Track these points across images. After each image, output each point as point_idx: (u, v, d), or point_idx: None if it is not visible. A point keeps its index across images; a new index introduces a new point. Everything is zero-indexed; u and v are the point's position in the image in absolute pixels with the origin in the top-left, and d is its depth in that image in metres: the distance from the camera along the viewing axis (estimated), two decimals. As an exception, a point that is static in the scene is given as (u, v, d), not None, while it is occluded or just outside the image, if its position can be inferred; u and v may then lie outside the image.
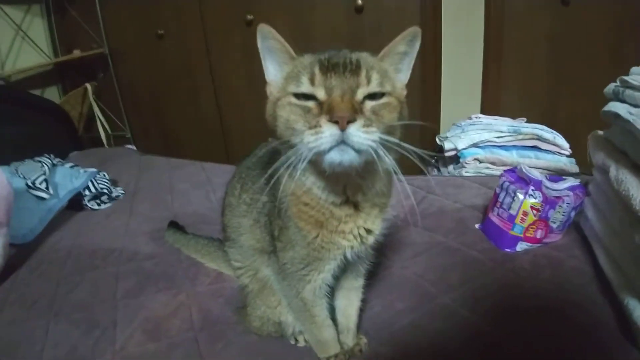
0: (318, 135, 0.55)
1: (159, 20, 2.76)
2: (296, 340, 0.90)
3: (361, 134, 0.54)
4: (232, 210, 0.88)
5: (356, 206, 0.70)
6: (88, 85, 2.83)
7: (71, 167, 1.83)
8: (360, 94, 0.59)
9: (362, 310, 0.93)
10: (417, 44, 0.67)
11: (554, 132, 1.91)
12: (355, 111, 0.56)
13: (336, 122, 0.54)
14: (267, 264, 0.84)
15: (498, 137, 1.89)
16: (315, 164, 0.62)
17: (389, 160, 0.58)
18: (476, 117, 2.05)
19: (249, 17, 2.46)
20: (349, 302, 0.87)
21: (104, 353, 0.91)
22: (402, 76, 0.69)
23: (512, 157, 1.85)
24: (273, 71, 0.68)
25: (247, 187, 0.84)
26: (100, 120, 2.95)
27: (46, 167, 1.69)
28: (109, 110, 3.05)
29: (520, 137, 1.89)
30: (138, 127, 3.18)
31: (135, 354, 0.90)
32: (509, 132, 1.89)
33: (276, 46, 0.66)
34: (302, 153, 0.56)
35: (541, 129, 1.90)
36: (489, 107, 2.23)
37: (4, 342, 0.98)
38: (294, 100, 0.61)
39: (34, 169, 1.66)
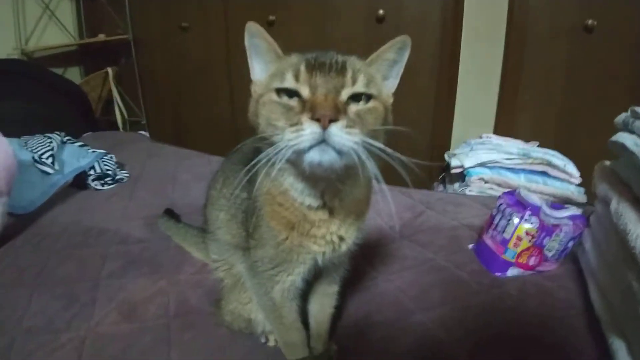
0: (299, 133, 0.54)
1: (184, 13, 2.82)
2: (267, 339, 0.89)
3: (343, 134, 0.53)
4: (213, 203, 0.88)
5: (331, 212, 0.69)
6: (109, 70, 2.90)
7: (80, 146, 1.87)
8: (345, 94, 0.59)
9: (337, 318, 0.91)
10: (407, 53, 0.66)
11: (566, 159, 1.86)
12: (339, 111, 0.55)
13: (318, 121, 0.53)
14: (242, 260, 0.83)
15: (507, 159, 1.86)
16: (295, 164, 0.61)
17: (370, 166, 0.56)
18: (487, 137, 2.02)
19: (271, 17, 2.48)
20: (321, 307, 0.86)
21: (78, 328, 0.92)
22: (389, 83, 0.69)
23: (519, 180, 1.81)
24: (259, 70, 0.68)
25: (228, 182, 0.84)
26: (118, 104, 3.01)
27: (55, 143, 1.73)
28: (128, 95, 3.11)
29: (530, 161, 1.85)
30: (154, 115, 3.24)
31: (108, 332, 0.91)
32: (519, 155, 1.85)
33: (263, 45, 0.66)
34: (281, 151, 0.55)
35: (552, 155, 1.85)
36: (502, 128, 2.20)
37: (-14, 307, 0.99)
38: (276, 97, 0.60)
39: (42, 144, 1.69)
